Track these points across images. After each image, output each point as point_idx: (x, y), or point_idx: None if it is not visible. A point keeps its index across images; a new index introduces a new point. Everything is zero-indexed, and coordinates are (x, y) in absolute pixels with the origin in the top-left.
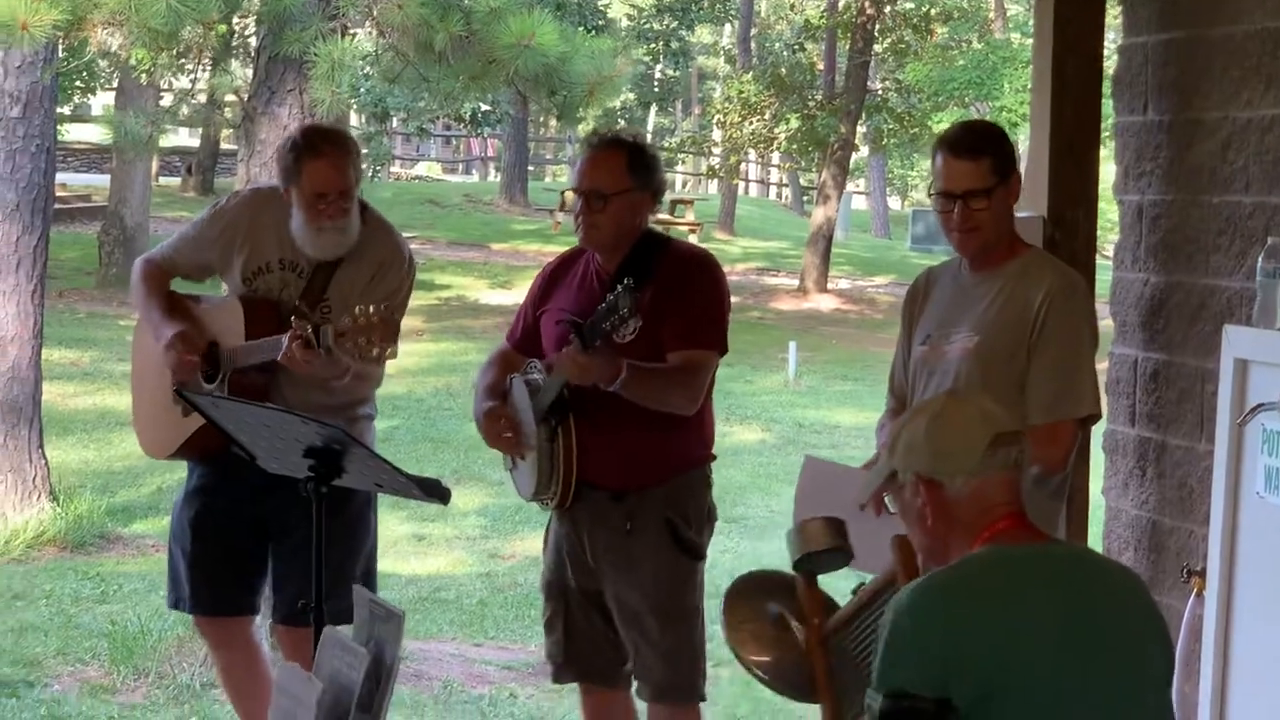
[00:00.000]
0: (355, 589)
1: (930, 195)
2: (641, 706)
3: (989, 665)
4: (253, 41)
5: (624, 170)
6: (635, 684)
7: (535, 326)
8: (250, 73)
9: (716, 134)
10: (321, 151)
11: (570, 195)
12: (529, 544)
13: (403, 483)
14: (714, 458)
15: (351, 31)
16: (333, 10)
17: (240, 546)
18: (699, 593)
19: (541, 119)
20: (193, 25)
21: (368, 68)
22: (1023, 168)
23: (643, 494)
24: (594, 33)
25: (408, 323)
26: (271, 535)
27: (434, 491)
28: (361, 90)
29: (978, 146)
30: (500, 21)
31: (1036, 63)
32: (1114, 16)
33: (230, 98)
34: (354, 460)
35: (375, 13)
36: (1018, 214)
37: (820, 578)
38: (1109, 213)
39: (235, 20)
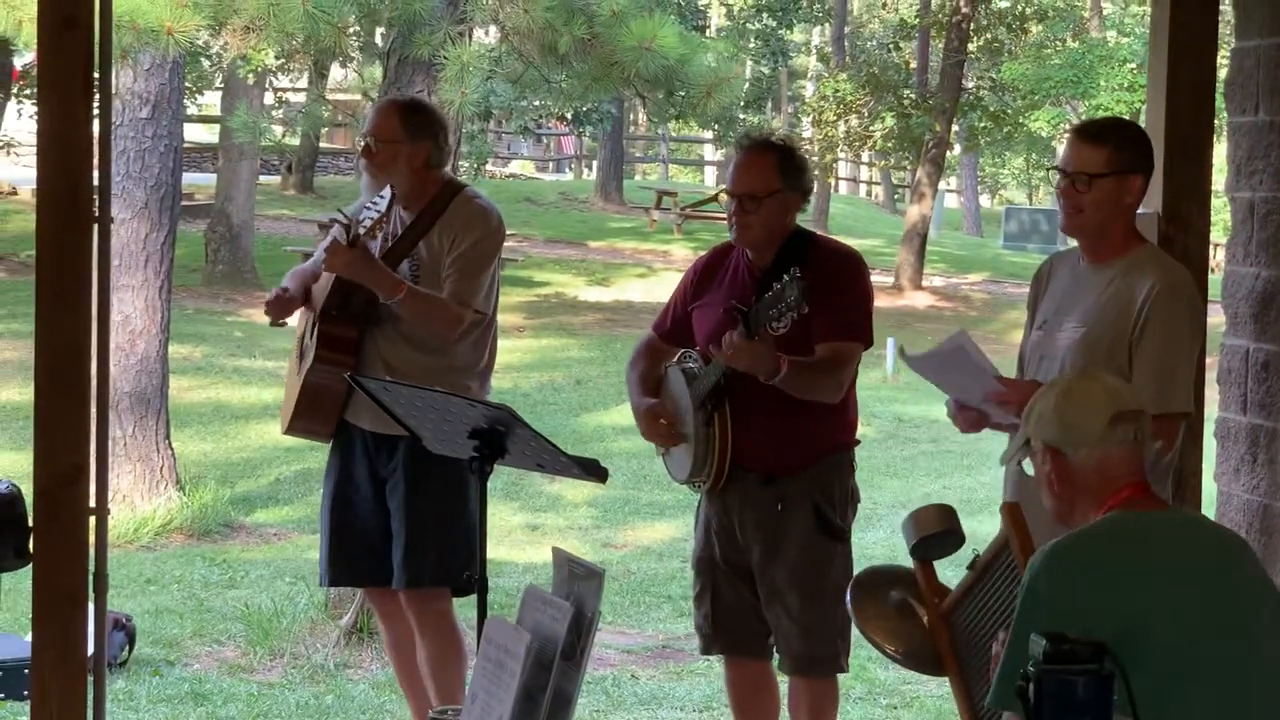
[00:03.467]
0: (554, 549)
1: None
2: (783, 679)
3: (1122, 616)
4: (352, 41)
5: (775, 172)
6: (777, 657)
7: (685, 319)
8: (359, 74)
9: (808, 132)
10: (378, 102)
11: (724, 196)
12: (640, 534)
13: (563, 463)
14: (858, 442)
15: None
16: (461, 14)
17: (369, 518)
18: (843, 572)
19: (632, 117)
20: (327, 29)
21: (486, 68)
22: None
23: (792, 477)
24: (695, 33)
25: (509, 319)
26: (388, 505)
27: (593, 471)
28: (469, 89)
29: (1101, 134)
30: (622, 24)
31: (1152, 65)
32: (1225, 20)
33: (350, 97)
34: (516, 441)
35: (501, 17)
36: None
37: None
38: (1219, 210)
39: (350, 23)
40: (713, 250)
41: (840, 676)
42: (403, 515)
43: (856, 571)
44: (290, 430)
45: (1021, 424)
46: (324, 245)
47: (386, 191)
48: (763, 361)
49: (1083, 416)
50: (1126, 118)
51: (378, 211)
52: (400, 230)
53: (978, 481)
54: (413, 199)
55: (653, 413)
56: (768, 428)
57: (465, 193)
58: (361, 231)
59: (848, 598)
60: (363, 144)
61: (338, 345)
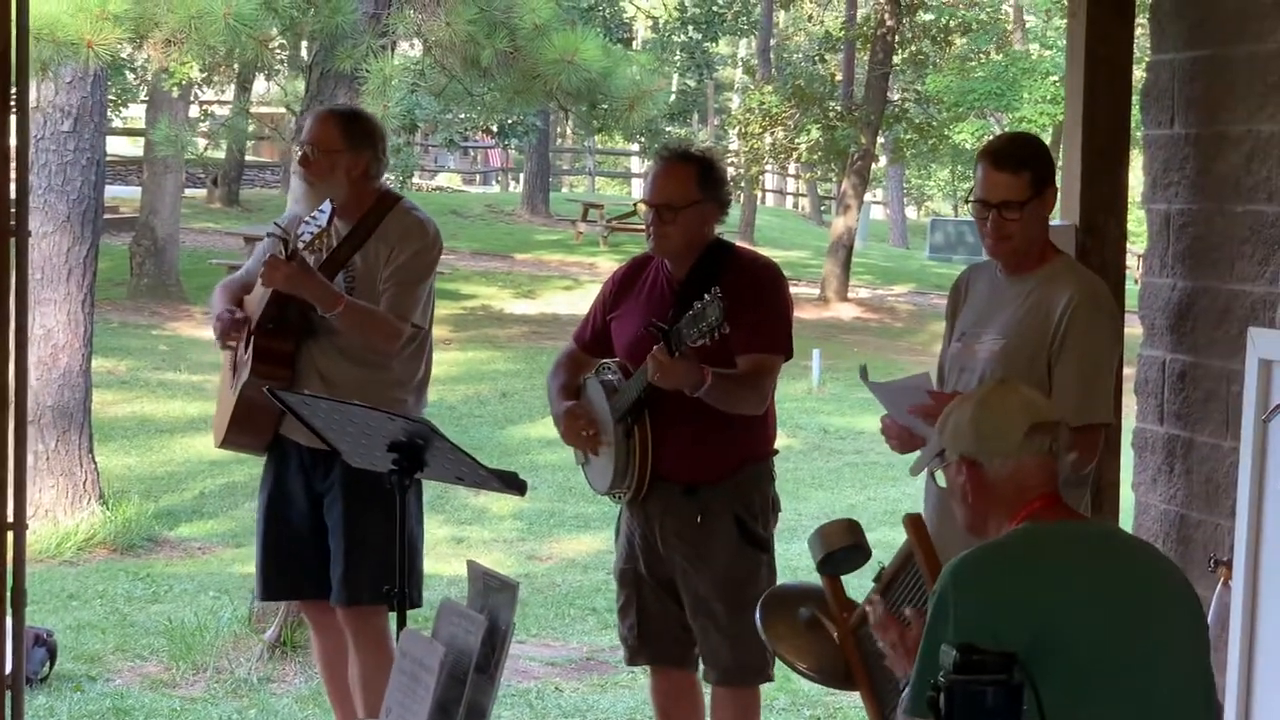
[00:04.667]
0: (469, 562)
1: (968, 201)
2: (708, 688)
3: (1031, 627)
4: (277, 54)
5: (694, 183)
6: (702, 667)
7: (604, 330)
8: (282, 87)
9: (734, 144)
10: (316, 111)
11: (642, 206)
12: (565, 546)
13: (483, 475)
14: (776, 452)
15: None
16: (383, 28)
17: (303, 532)
18: (768, 581)
19: (559, 130)
20: (249, 42)
21: (409, 81)
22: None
23: (712, 488)
24: (620, 46)
25: (436, 331)
26: (325, 520)
27: (512, 484)
28: (391, 102)
29: (1019, 160)
30: (544, 38)
31: (1070, 79)
32: (1141, 33)
33: (275, 110)
34: (436, 454)
35: (424, 30)
36: (1052, 222)
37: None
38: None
39: (272, 36)
40: (631, 261)
41: (764, 687)
42: (341, 532)
43: (778, 583)
44: (225, 444)
45: (935, 433)
46: (253, 257)
47: (326, 206)
48: (687, 377)
49: (999, 427)
50: (1024, 132)
51: (318, 226)
52: (335, 242)
53: (902, 493)
54: (349, 210)
55: (572, 414)
56: (688, 439)
57: (402, 204)
58: (300, 246)
59: (756, 617)
60: (300, 152)
61: (273, 359)
